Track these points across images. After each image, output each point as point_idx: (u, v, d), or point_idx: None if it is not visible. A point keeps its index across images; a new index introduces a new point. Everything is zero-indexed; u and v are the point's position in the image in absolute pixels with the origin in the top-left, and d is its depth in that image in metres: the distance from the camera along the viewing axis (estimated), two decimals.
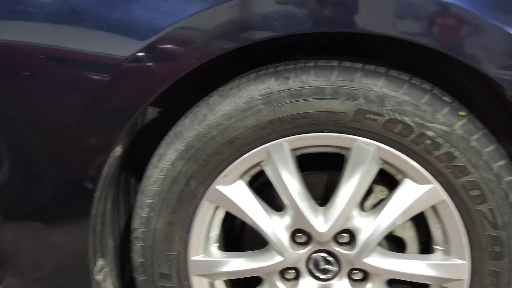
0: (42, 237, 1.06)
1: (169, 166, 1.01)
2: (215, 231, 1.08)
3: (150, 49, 0.91)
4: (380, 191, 1.07)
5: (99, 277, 1.12)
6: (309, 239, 1.04)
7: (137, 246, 1.08)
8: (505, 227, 0.95)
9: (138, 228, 1.06)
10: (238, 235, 1.19)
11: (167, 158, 1.01)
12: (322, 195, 1.11)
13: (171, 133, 1.03)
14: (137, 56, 0.92)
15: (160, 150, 1.03)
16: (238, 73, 1.03)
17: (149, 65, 0.93)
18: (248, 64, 1.05)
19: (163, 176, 1.02)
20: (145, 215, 1.05)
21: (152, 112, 1.20)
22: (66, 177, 1.01)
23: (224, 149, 0.99)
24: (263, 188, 1.11)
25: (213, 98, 1.00)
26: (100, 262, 1.11)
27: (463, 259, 0.99)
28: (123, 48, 0.93)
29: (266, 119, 0.96)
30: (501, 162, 0.94)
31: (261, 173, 1.05)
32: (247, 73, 1.01)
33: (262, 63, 1.03)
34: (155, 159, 1.04)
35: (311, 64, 0.96)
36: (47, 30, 0.95)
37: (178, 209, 1.03)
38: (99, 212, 1.05)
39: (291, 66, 0.97)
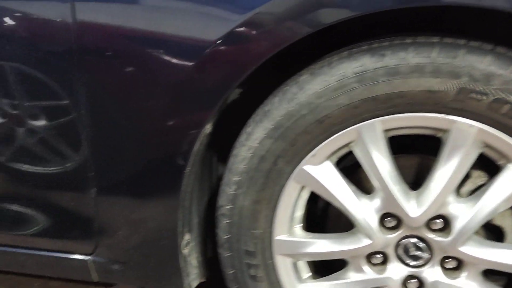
0: (135, 211, 1.10)
1: (257, 145, 1.00)
2: (300, 211, 1.07)
3: (246, 25, 0.90)
4: (478, 177, 1.00)
5: (185, 251, 1.14)
6: (399, 223, 0.99)
7: (223, 222, 1.08)
8: None
9: (225, 205, 1.07)
10: (321, 217, 1.17)
11: (255, 136, 1.00)
12: (413, 179, 1.05)
13: (260, 111, 1.02)
14: (233, 33, 0.91)
15: (248, 128, 1.02)
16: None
17: (243, 43, 0.92)
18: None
19: (251, 155, 1.01)
20: (232, 192, 1.05)
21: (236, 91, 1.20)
22: (160, 154, 1.03)
23: (314, 128, 0.96)
24: (349, 170, 1.08)
25: (304, 76, 0.97)
26: (187, 237, 1.14)
27: None
28: (218, 26, 0.92)
29: (359, 98, 0.92)
30: None
31: (346, 155, 1.02)
32: (337, 51, 0.97)
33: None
34: (243, 137, 1.03)
35: (409, 40, 0.90)
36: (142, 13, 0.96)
37: (265, 188, 1.02)
38: (188, 188, 1.06)
39: (387, 43, 0.92)
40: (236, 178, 1.04)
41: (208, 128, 1.01)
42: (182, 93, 0.98)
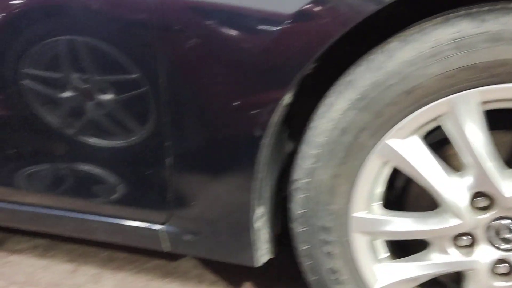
0: (210, 182, 1.08)
1: (339, 116, 0.95)
2: (380, 188, 1.01)
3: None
4: None
5: (257, 224, 1.12)
6: (491, 203, 0.92)
7: (298, 197, 1.05)
8: None
9: (301, 178, 1.03)
10: (400, 196, 1.10)
11: (337, 107, 0.95)
12: (509, 158, 0.97)
13: (342, 82, 0.96)
14: (311, 5, 0.86)
15: (330, 99, 0.97)
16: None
17: (321, 16, 0.87)
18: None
19: (332, 127, 0.96)
20: (309, 166, 1.01)
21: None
22: (237, 124, 1.00)
23: (402, 99, 0.90)
24: (434, 147, 1.01)
25: (392, 44, 0.90)
26: (260, 210, 1.11)
27: None
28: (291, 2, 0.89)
29: (456, 66, 0.85)
30: None
31: (431, 131, 0.95)
32: (431, 18, 0.90)
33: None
34: (322, 109, 0.98)
35: (510, 5, 0.82)
36: None
37: (345, 162, 0.97)
38: (263, 160, 1.03)
39: (487, 8, 0.84)
40: (314, 151, 1.00)
41: (286, 98, 0.98)
42: (260, 66, 0.95)
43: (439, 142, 1.01)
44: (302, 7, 0.89)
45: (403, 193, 1.10)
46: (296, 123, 1.12)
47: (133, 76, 1.05)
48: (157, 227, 1.21)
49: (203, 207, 1.13)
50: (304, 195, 1.04)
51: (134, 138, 1.12)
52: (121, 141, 1.13)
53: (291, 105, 1.04)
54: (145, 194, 1.18)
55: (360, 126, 0.94)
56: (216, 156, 1.06)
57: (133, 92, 1.06)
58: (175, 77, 1.02)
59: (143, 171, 1.15)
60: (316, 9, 0.88)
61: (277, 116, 0.99)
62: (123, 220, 1.25)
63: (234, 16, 0.94)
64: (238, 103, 0.99)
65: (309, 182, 1.02)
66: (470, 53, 0.83)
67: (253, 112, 0.99)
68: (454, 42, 0.84)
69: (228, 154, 1.04)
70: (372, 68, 0.91)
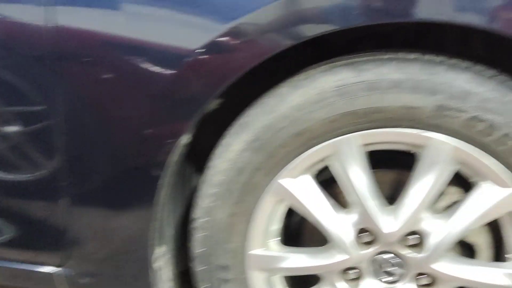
0: (107, 222, 1.04)
1: (235, 157, 0.96)
2: (276, 225, 1.03)
3: (228, 35, 0.87)
4: (453, 193, 0.99)
5: (156, 264, 1.08)
6: (374, 239, 0.97)
7: (197, 235, 1.03)
8: None
9: (200, 217, 1.02)
10: (297, 231, 1.13)
11: (233, 148, 0.97)
12: (389, 194, 1.03)
13: (238, 123, 0.98)
14: (209, 46, 0.88)
15: (226, 140, 0.99)
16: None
17: (220, 56, 0.89)
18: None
19: (228, 167, 0.97)
20: (207, 205, 1.00)
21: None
22: (135, 163, 0.98)
23: (292, 141, 0.93)
24: (325, 184, 1.05)
25: (284, 88, 0.94)
26: (159, 250, 1.08)
27: None
28: (194, 38, 0.89)
29: (338, 112, 0.90)
30: None
31: (324, 168, 0.99)
32: (318, 64, 0.95)
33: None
34: (220, 149, 0.99)
35: (390, 56, 0.89)
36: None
37: (241, 201, 0.98)
38: (162, 200, 1.01)
39: (368, 58, 0.91)
40: (212, 190, 1.00)
41: (184, 139, 0.97)
42: (160, 102, 0.94)
43: (332, 180, 1.05)
44: (203, 44, 0.89)
45: (300, 229, 1.13)
46: (203, 162, 1.12)
47: (30, 109, 0.99)
48: (51, 269, 1.13)
49: (102, 249, 1.08)
50: (203, 234, 1.02)
51: (30, 177, 1.05)
52: (18, 179, 1.06)
53: (195, 144, 1.04)
54: (42, 236, 1.11)
55: (255, 166, 0.96)
56: (114, 196, 1.02)
57: (29, 127, 1.01)
58: (71, 113, 0.98)
59: (39, 211, 1.08)
60: (212, 50, 0.90)
61: (176, 156, 0.98)
62: (19, 263, 1.15)
63: (134, 50, 0.93)
64: (136, 141, 0.97)
65: (207, 221, 1.01)
66: (351, 100, 0.89)
67: (150, 152, 0.97)
68: (337, 89, 0.89)
69: (127, 194, 1.01)
70: (265, 112, 0.94)
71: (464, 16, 0.82)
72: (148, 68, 0.93)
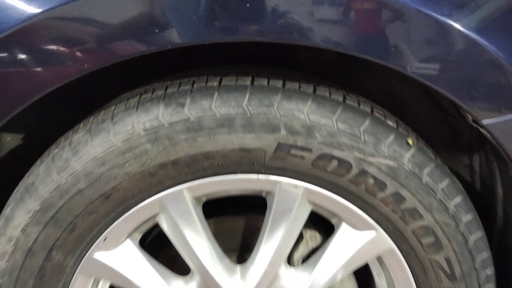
0: None
1: (19, 234, 0.66)
2: None
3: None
4: (311, 238, 0.80)
5: None
6: None
7: None
8: (464, 279, 0.72)
9: None
10: None
11: (16, 222, 0.66)
12: (241, 244, 0.82)
13: (21, 185, 0.68)
14: None
15: (7, 210, 0.68)
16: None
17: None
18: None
19: (12, 248, 0.67)
20: None
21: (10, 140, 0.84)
22: None
23: (99, 206, 0.66)
24: (163, 241, 0.80)
25: (79, 134, 0.66)
26: None
27: None
28: None
29: (155, 162, 0.64)
30: (458, 199, 0.70)
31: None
32: (127, 95, 0.69)
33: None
34: (0, 223, 0.68)
35: (214, 83, 0.66)
36: None
37: None
38: None
39: (187, 87, 0.66)
40: None
41: None
42: None
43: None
44: None
45: None
46: None
47: None
48: None
49: None
50: None
51: None
52: None
53: None
54: None
55: (50, 244, 0.67)
56: None
57: None
58: None
59: None
60: None
61: None
62: None
63: None
64: None
65: None
66: (169, 147, 0.64)
67: None
68: (150, 133, 0.64)
69: None
70: (56, 168, 0.65)
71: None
72: None
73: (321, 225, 0.80)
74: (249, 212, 0.82)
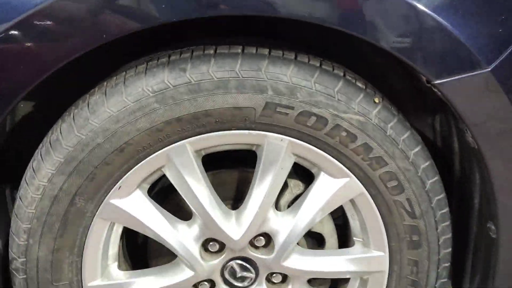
0: None
1: (46, 183, 0.77)
2: (114, 249, 0.88)
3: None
4: (295, 186, 0.93)
5: None
6: (223, 247, 0.87)
7: (18, 278, 0.83)
8: (422, 216, 0.86)
9: (17, 257, 0.82)
10: (142, 249, 0.99)
11: (43, 173, 0.77)
12: (235, 194, 0.94)
13: (46, 141, 0.79)
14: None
15: (34, 163, 0.79)
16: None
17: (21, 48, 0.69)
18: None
19: (39, 196, 0.78)
20: (23, 242, 0.81)
21: (25, 108, 0.94)
22: None
23: (114, 158, 0.77)
24: (167, 192, 0.92)
25: (95, 96, 0.77)
26: None
27: (382, 250, 0.89)
28: None
29: (162, 119, 0.76)
30: (417, 149, 0.83)
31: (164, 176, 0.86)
32: (135, 63, 0.80)
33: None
34: (28, 174, 0.79)
35: (211, 51, 0.77)
36: None
37: (64, 233, 0.81)
38: None
39: (187, 55, 0.77)
40: (25, 226, 0.80)
41: None
42: None
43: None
44: None
45: (145, 248, 0.99)
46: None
47: None
48: None
49: None
50: (23, 276, 0.83)
51: None
52: None
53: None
54: None
55: (73, 191, 0.78)
56: None
57: None
58: None
59: None
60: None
61: None
62: None
63: None
64: None
65: (25, 262, 0.82)
66: (174, 106, 0.75)
67: None
68: (157, 94, 0.75)
69: None
70: (77, 125, 0.76)
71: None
72: None
73: (303, 174, 0.92)
74: (241, 166, 0.94)
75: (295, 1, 0.70)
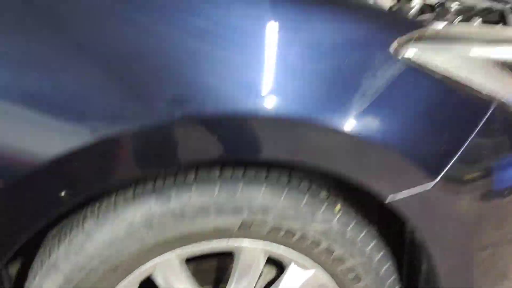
0: None
1: None
2: None
3: None
4: (268, 273, 1.05)
5: None
6: None
7: None
8: None
9: None
10: None
11: None
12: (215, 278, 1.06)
13: (46, 263, 0.86)
14: None
15: (35, 283, 0.87)
16: None
17: None
18: None
19: None
20: None
21: None
22: None
23: (108, 276, 0.87)
24: None
25: (89, 223, 0.85)
26: None
27: None
28: None
29: (151, 242, 0.85)
30: (372, 244, 0.96)
31: None
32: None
33: None
34: None
35: (192, 177, 0.86)
36: None
37: None
38: None
39: (170, 181, 0.86)
40: None
41: None
42: None
43: None
44: None
45: None
46: None
47: None
48: None
49: None
50: None
51: None
52: None
53: None
54: None
55: None
56: None
57: None
58: None
59: None
60: None
61: None
62: None
63: None
64: None
65: None
66: (161, 230, 0.85)
67: None
68: (145, 221, 0.84)
69: None
70: (73, 251, 0.85)
71: None
72: None
73: (274, 261, 1.05)
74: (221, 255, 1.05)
75: None
